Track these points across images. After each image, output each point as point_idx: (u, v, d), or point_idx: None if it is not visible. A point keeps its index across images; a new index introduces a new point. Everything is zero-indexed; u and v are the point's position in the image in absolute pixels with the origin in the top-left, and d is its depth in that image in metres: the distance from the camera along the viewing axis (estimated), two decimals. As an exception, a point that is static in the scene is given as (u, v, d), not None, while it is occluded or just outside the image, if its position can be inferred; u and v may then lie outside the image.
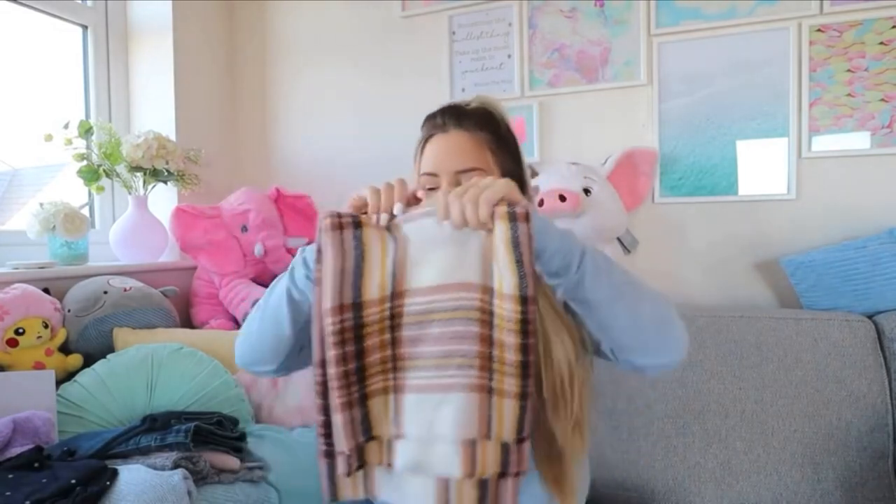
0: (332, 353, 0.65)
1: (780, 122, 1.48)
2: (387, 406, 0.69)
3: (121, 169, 1.67)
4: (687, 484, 1.24)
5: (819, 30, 1.44)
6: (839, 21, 1.42)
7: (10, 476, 0.91)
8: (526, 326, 0.64)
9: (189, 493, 0.93)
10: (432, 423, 0.66)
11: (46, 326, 1.30)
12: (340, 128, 1.95)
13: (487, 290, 0.66)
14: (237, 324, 1.69)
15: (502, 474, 0.66)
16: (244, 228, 1.74)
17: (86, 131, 1.66)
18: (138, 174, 1.68)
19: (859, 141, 1.42)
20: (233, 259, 1.73)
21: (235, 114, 2.09)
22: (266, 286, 1.72)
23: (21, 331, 1.25)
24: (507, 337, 0.64)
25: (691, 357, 1.30)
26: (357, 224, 0.69)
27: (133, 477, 0.92)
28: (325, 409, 0.68)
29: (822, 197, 1.46)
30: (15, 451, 1.00)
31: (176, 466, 0.97)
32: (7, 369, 1.22)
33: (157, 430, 1.06)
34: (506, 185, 0.67)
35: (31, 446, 1.00)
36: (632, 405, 1.30)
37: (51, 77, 1.83)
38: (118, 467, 0.95)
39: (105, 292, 1.43)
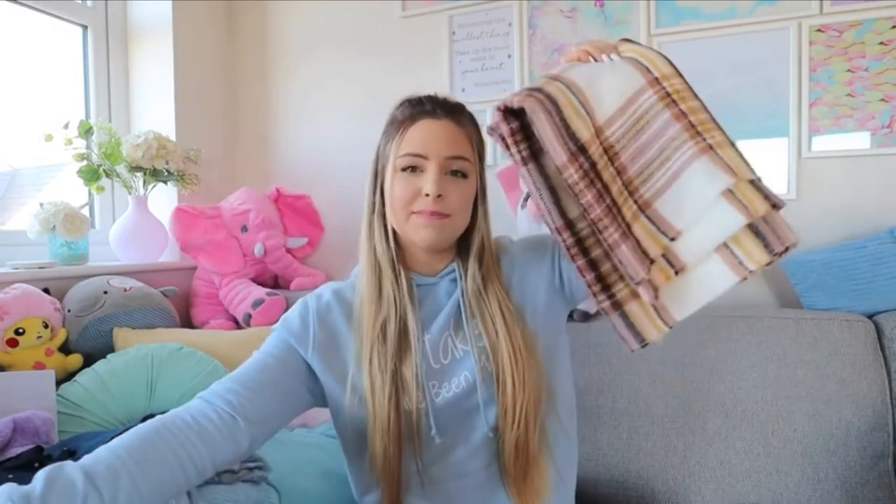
0: (588, 196, 0.71)
1: (780, 122, 1.48)
2: (645, 226, 0.74)
3: (121, 169, 1.67)
4: (687, 484, 1.24)
5: (819, 30, 1.44)
6: (839, 21, 1.42)
7: (10, 476, 0.90)
8: (692, 88, 0.75)
9: (189, 493, 0.93)
10: (690, 202, 0.72)
11: (46, 326, 1.30)
12: (340, 128, 1.95)
13: (654, 81, 0.75)
14: (237, 324, 1.69)
15: (773, 206, 0.70)
16: (244, 228, 1.74)
17: (86, 131, 1.66)
18: (138, 174, 1.68)
19: (859, 141, 1.42)
20: (233, 259, 1.73)
21: (235, 114, 2.09)
22: (266, 286, 1.74)
23: (21, 331, 1.25)
24: (691, 102, 0.74)
25: (691, 357, 1.30)
26: (537, 89, 0.75)
27: (133, 477, 0.92)
28: (592, 265, 0.76)
29: (822, 197, 1.46)
30: (15, 451, 1.00)
31: (176, 466, 0.97)
32: (7, 369, 1.22)
33: (157, 430, 1.06)
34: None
35: (31, 446, 1.00)
36: (632, 405, 1.30)
37: (51, 77, 1.83)
38: (118, 467, 0.95)
39: (105, 292, 1.43)
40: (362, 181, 2.04)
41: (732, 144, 0.74)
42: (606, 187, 0.73)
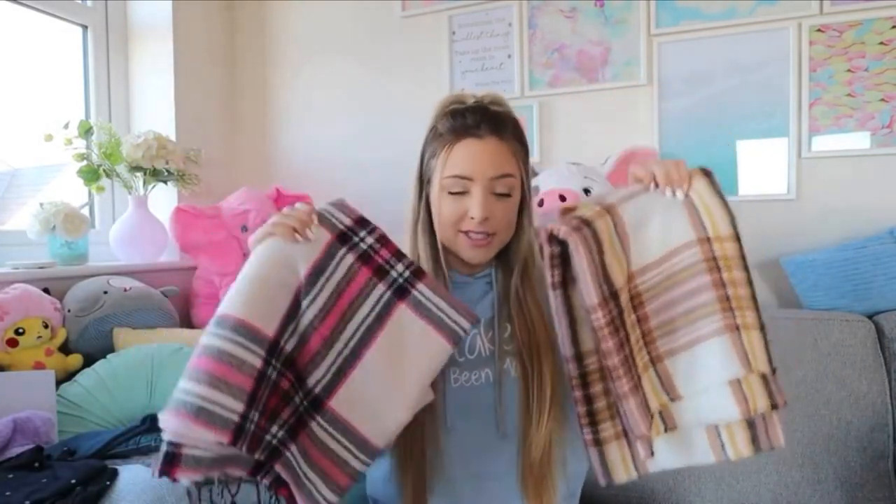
0: (610, 343, 0.70)
1: (780, 122, 1.48)
2: (651, 380, 0.74)
3: (121, 169, 1.67)
4: (687, 484, 1.24)
5: (819, 30, 1.44)
6: (839, 21, 1.42)
7: (10, 476, 0.90)
8: (746, 260, 0.73)
9: (189, 493, 0.93)
10: (697, 375, 0.72)
11: (46, 326, 1.30)
12: (341, 128, 1.95)
13: (704, 241, 0.74)
14: (237, 324, 1.69)
15: (773, 406, 0.72)
16: (244, 228, 1.74)
17: (86, 131, 1.66)
18: (138, 174, 1.68)
19: (859, 141, 1.42)
20: (233, 259, 1.73)
21: (235, 114, 2.09)
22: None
23: (21, 331, 1.25)
24: (736, 273, 0.73)
25: (691, 357, 1.30)
26: (587, 222, 0.74)
27: (133, 477, 0.92)
28: (588, 399, 0.76)
29: (822, 197, 1.46)
30: (15, 451, 1.00)
31: (176, 466, 0.97)
32: (7, 369, 1.22)
33: (157, 430, 1.05)
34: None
35: (31, 446, 1.00)
36: (632, 405, 1.30)
37: (51, 77, 1.83)
38: (118, 467, 0.95)
39: (105, 292, 1.43)
40: (362, 181, 2.04)
41: (762, 328, 0.73)
42: (627, 336, 0.73)
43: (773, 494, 1.19)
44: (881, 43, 1.39)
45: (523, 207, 0.89)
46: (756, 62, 1.49)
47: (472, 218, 0.83)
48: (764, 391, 0.71)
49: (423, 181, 0.90)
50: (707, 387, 0.72)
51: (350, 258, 0.78)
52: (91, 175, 1.66)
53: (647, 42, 1.58)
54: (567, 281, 0.77)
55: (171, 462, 0.65)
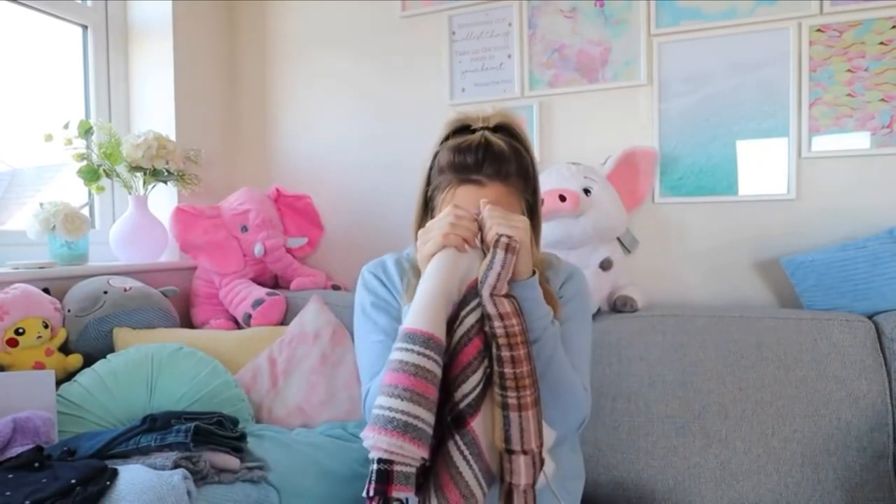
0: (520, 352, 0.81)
1: (780, 122, 1.48)
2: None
3: (121, 169, 1.67)
4: (686, 484, 1.24)
5: (819, 30, 1.44)
6: (839, 21, 1.42)
7: (10, 476, 0.91)
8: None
9: (189, 492, 0.93)
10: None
11: (46, 326, 1.30)
12: (341, 127, 1.95)
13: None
14: (237, 324, 1.69)
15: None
16: (244, 228, 1.74)
17: (86, 131, 1.66)
18: (138, 174, 1.68)
19: (859, 141, 1.42)
20: (233, 259, 1.73)
21: (235, 114, 2.09)
22: (266, 286, 1.74)
23: (21, 331, 1.25)
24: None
25: (691, 357, 1.30)
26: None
27: (133, 477, 0.92)
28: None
29: (822, 197, 1.46)
30: (15, 451, 1.00)
31: (176, 466, 0.97)
32: (7, 369, 1.22)
33: (157, 430, 1.06)
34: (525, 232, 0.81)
35: (31, 446, 1.00)
36: (631, 405, 1.30)
37: (51, 77, 1.83)
38: (118, 467, 0.95)
39: (105, 292, 1.43)
40: (362, 181, 2.04)
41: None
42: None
43: (773, 494, 1.19)
44: (881, 43, 1.39)
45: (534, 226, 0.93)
46: (756, 62, 1.49)
47: None
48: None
49: (428, 207, 0.95)
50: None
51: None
52: (91, 175, 1.66)
53: (647, 42, 1.58)
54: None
55: (386, 480, 0.66)
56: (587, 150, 1.63)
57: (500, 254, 0.79)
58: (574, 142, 1.67)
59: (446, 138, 0.93)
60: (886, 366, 1.22)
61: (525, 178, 0.93)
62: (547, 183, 1.47)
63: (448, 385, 0.77)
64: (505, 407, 0.78)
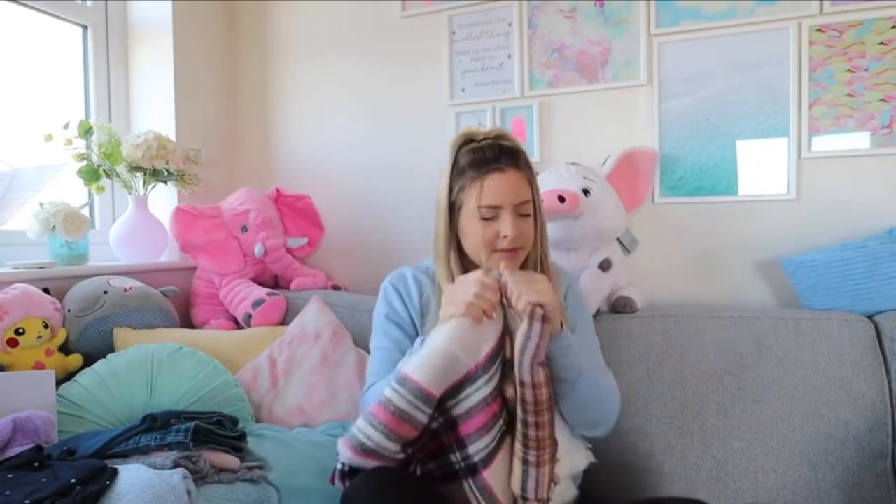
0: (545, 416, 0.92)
1: (780, 122, 1.48)
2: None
3: (121, 169, 1.67)
4: (684, 484, 1.24)
5: (819, 30, 1.44)
6: (839, 21, 1.42)
7: (10, 476, 0.91)
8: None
9: (189, 492, 0.93)
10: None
11: (46, 326, 1.30)
12: (341, 128, 1.95)
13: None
14: (237, 324, 1.69)
15: None
16: (244, 228, 1.74)
17: (86, 131, 1.66)
18: (138, 174, 1.68)
19: (859, 141, 1.42)
20: (233, 259, 1.73)
21: (235, 114, 2.09)
22: (266, 286, 1.74)
23: (21, 331, 1.25)
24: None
25: (690, 357, 1.30)
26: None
27: (133, 476, 0.92)
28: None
29: (822, 197, 1.46)
30: (15, 450, 1.00)
31: (176, 466, 0.97)
32: (7, 369, 1.22)
33: (157, 430, 1.06)
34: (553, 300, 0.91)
35: (31, 446, 1.00)
36: (630, 405, 1.30)
37: (51, 77, 1.83)
38: (118, 467, 0.95)
39: (105, 292, 1.43)
40: (363, 181, 2.04)
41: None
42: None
43: (770, 494, 1.19)
44: (881, 43, 1.39)
45: (537, 224, 1.05)
46: (756, 62, 1.49)
47: (505, 237, 0.99)
48: None
49: (452, 209, 1.05)
50: None
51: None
52: (91, 175, 1.66)
53: (647, 42, 1.58)
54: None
55: (343, 479, 0.88)
56: (587, 150, 1.63)
57: (536, 326, 0.86)
58: (574, 142, 1.67)
59: (459, 148, 1.04)
60: (886, 365, 1.22)
61: (531, 170, 1.05)
62: (546, 183, 1.47)
63: (460, 436, 0.90)
64: (525, 462, 0.89)
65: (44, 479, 0.90)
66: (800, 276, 1.38)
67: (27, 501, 0.83)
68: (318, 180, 1.96)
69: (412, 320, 1.10)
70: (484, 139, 1.03)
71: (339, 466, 0.87)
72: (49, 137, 1.57)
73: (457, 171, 1.03)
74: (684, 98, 1.56)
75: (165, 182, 1.74)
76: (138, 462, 0.99)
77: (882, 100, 1.40)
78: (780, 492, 1.18)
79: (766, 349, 1.27)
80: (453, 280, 1.02)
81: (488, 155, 1.01)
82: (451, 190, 1.04)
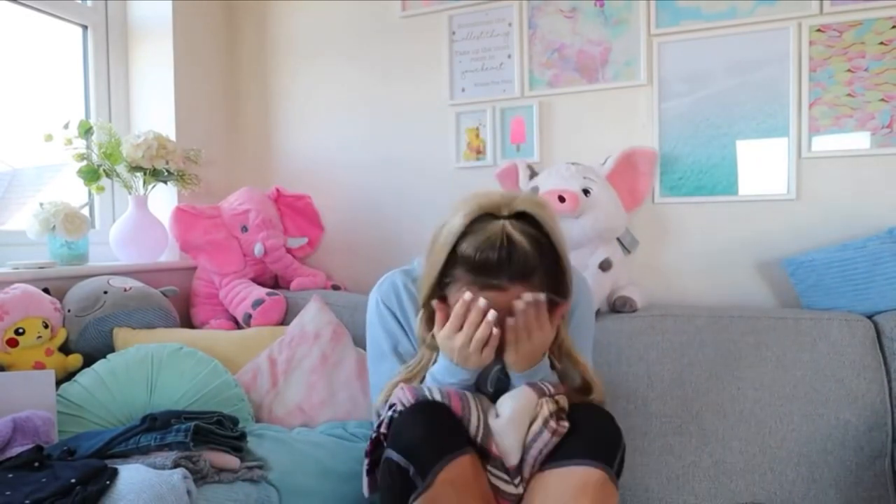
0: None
1: (780, 122, 1.48)
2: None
3: (121, 169, 1.67)
4: (681, 482, 1.24)
5: (819, 30, 1.44)
6: (839, 21, 1.42)
7: (10, 476, 0.91)
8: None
9: (189, 492, 0.93)
10: None
11: (46, 326, 1.30)
12: (341, 127, 1.95)
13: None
14: (237, 324, 1.69)
15: None
16: (244, 228, 1.74)
17: (86, 131, 1.66)
18: (138, 174, 1.68)
19: (859, 141, 1.42)
20: (233, 259, 1.73)
21: (235, 114, 2.09)
22: (266, 286, 1.74)
23: (21, 331, 1.25)
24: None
25: (690, 357, 1.30)
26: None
27: (133, 476, 0.92)
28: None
29: (822, 197, 1.46)
30: (15, 450, 1.00)
31: (176, 466, 0.97)
32: (7, 369, 1.22)
33: (157, 430, 1.06)
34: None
35: (30, 446, 1.00)
36: (629, 405, 1.30)
37: (51, 77, 1.83)
38: (118, 467, 0.95)
39: (105, 292, 1.43)
40: (362, 181, 2.04)
41: None
42: None
43: (767, 493, 1.19)
44: (881, 43, 1.39)
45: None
46: (756, 62, 1.49)
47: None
48: None
49: (441, 285, 0.94)
50: None
51: None
52: (91, 175, 1.66)
53: (647, 42, 1.58)
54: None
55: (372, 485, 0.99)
56: (587, 150, 1.63)
57: (545, 434, 0.90)
58: (574, 142, 1.67)
59: (471, 222, 0.89)
60: (886, 366, 1.22)
61: (552, 273, 0.90)
62: (546, 183, 1.47)
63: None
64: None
65: (44, 479, 0.90)
66: (800, 276, 1.38)
67: (27, 501, 0.83)
68: (318, 180, 1.96)
69: (410, 340, 1.08)
70: (503, 247, 0.85)
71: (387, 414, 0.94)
72: (49, 137, 1.57)
73: (454, 258, 0.89)
74: (684, 98, 1.56)
75: (165, 182, 1.74)
76: (138, 462, 0.99)
77: (882, 100, 1.40)
78: (778, 491, 1.18)
79: (765, 349, 1.27)
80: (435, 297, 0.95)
81: (492, 265, 0.85)
82: (445, 265, 0.91)
